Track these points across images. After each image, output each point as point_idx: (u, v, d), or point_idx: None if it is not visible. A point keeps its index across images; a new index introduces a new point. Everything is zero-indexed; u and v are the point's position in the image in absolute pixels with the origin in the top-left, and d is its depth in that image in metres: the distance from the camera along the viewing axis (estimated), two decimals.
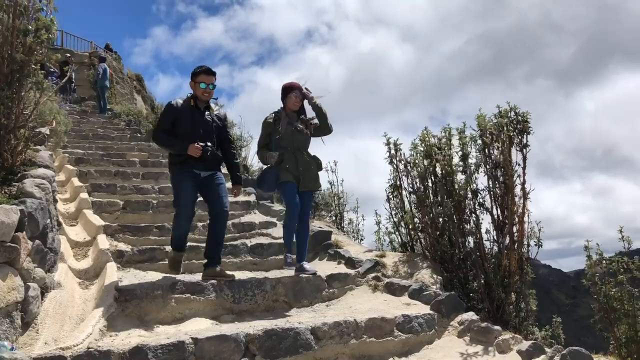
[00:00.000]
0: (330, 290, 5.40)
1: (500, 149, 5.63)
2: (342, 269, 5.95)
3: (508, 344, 4.49)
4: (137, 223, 6.56)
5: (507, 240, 5.68)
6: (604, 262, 5.59)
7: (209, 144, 4.82)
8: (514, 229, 5.66)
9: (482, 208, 5.89)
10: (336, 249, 6.59)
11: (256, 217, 7.84)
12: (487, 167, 5.75)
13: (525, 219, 5.65)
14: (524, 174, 5.61)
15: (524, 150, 5.62)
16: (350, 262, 6.07)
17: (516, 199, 5.63)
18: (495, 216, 5.77)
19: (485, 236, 5.81)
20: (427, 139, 6.22)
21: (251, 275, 5.47)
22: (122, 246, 5.75)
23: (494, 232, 5.78)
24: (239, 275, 5.28)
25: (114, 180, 8.54)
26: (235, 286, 4.83)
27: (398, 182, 6.61)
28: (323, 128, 5.58)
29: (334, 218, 9.13)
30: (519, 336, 4.67)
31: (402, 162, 6.53)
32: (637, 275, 5.43)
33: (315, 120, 5.57)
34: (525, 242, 5.70)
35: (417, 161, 6.32)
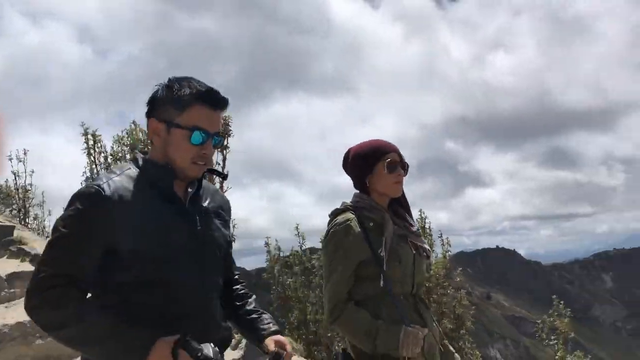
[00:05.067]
0: (12, 290, 4.91)
1: None
2: (27, 266, 5.43)
3: None
4: None
5: None
6: (281, 256, 6.44)
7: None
8: None
9: None
10: (20, 245, 5.98)
11: None
12: None
13: None
14: None
15: (225, 151, 6.06)
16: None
17: None
18: None
19: None
20: (134, 133, 6.16)
21: None
22: None
23: None
24: None
25: None
26: None
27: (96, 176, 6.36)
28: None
29: (16, 212, 8.22)
30: None
31: (103, 155, 6.32)
32: (308, 267, 6.40)
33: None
34: None
35: (121, 155, 6.20)
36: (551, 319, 6.55)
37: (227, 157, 6.06)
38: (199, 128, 1.64)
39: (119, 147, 6.30)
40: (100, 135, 6.34)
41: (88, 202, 1.57)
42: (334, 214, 2.28)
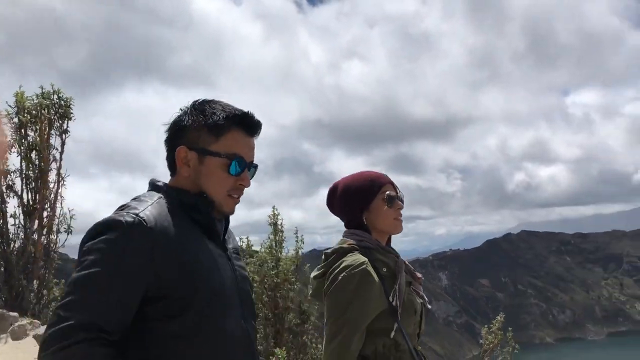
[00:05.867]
0: None
1: (38, 130, 5.44)
2: None
3: (24, 329, 4.39)
4: None
5: (36, 225, 5.52)
6: None
7: None
8: (45, 214, 5.55)
9: (10, 191, 5.54)
10: None
11: None
12: (22, 148, 5.46)
13: (58, 204, 5.63)
14: (61, 159, 5.60)
15: (64, 135, 5.60)
16: None
17: (50, 184, 5.55)
18: (26, 200, 5.52)
19: (11, 220, 5.48)
20: None
21: None
22: None
23: (22, 216, 5.52)
24: None
25: None
26: None
27: None
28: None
29: None
30: (37, 321, 4.60)
31: None
32: None
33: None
34: (55, 229, 5.67)
35: None
36: None
37: (66, 141, 5.60)
38: (237, 156, 1.45)
39: None
40: None
41: (127, 234, 1.26)
42: (341, 253, 1.90)
